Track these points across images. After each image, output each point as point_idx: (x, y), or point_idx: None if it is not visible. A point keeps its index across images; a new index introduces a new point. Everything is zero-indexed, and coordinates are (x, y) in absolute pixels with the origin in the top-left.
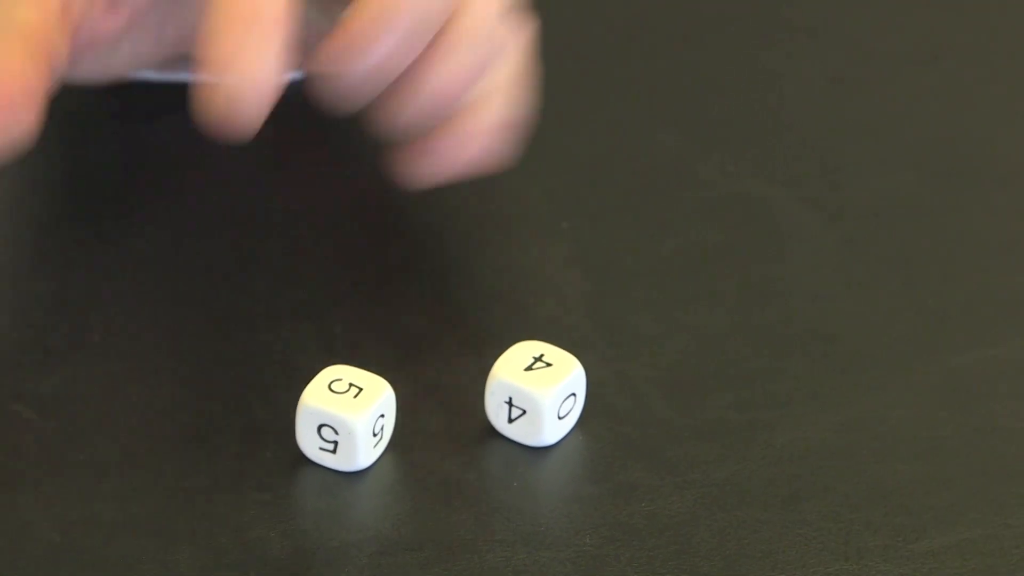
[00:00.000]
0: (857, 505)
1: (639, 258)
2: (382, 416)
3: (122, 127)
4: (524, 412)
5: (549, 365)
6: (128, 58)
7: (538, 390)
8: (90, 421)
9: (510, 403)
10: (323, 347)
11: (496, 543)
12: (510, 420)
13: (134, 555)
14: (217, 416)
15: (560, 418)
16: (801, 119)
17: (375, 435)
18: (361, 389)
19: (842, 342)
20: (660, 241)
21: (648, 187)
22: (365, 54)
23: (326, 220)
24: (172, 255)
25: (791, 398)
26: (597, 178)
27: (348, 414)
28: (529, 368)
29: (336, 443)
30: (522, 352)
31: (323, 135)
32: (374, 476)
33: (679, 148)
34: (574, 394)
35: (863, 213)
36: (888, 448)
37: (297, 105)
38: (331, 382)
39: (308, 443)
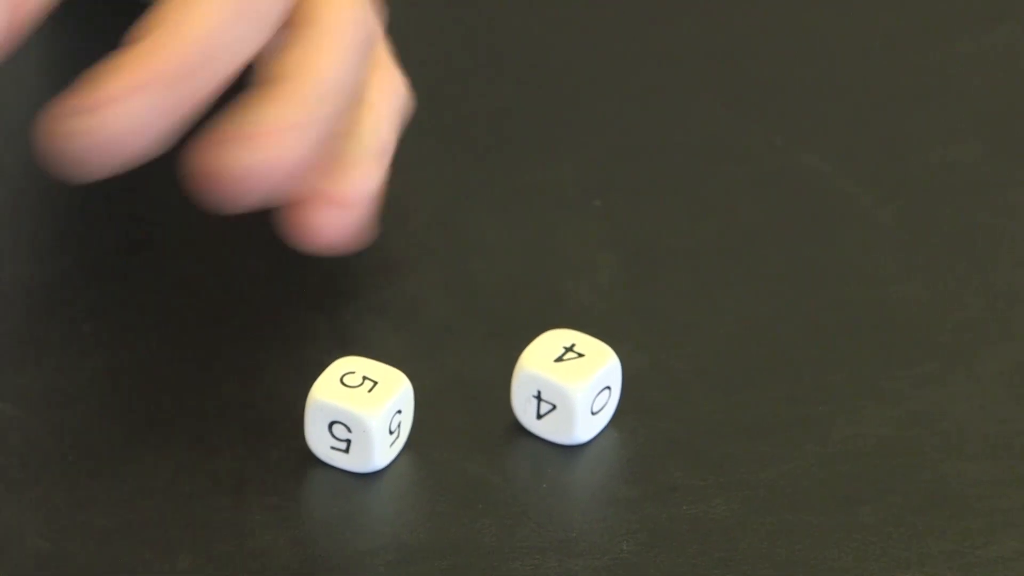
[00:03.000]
0: (919, 508)
1: (678, 239)
2: (399, 412)
3: None
4: (554, 407)
5: (581, 356)
6: None
7: (569, 383)
8: (80, 419)
9: (539, 397)
10: (334, 337)
11: (524, 550)
12: (539, 416)
13: (129, 564)
14: (218, 412)
15: (593, 414)
16: (852, 85)
17: (391, 433)
18: (376, 383)
19: (901, 330)
20: (701, 220)
21: (687, 161)
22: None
23: None
24: (168, 238)
25: (845, 391)
26: (631, 151)
27: (362, 410)
28: (559, 359)
29: (349, 442)
30: (551, 341)
31: None
32: (390, 478)
33: (720, 117)
34: (609, 387)
35: (922, 188)
36: (952, 445)
37: None
38: (343, 375)
39: (318, 442)
